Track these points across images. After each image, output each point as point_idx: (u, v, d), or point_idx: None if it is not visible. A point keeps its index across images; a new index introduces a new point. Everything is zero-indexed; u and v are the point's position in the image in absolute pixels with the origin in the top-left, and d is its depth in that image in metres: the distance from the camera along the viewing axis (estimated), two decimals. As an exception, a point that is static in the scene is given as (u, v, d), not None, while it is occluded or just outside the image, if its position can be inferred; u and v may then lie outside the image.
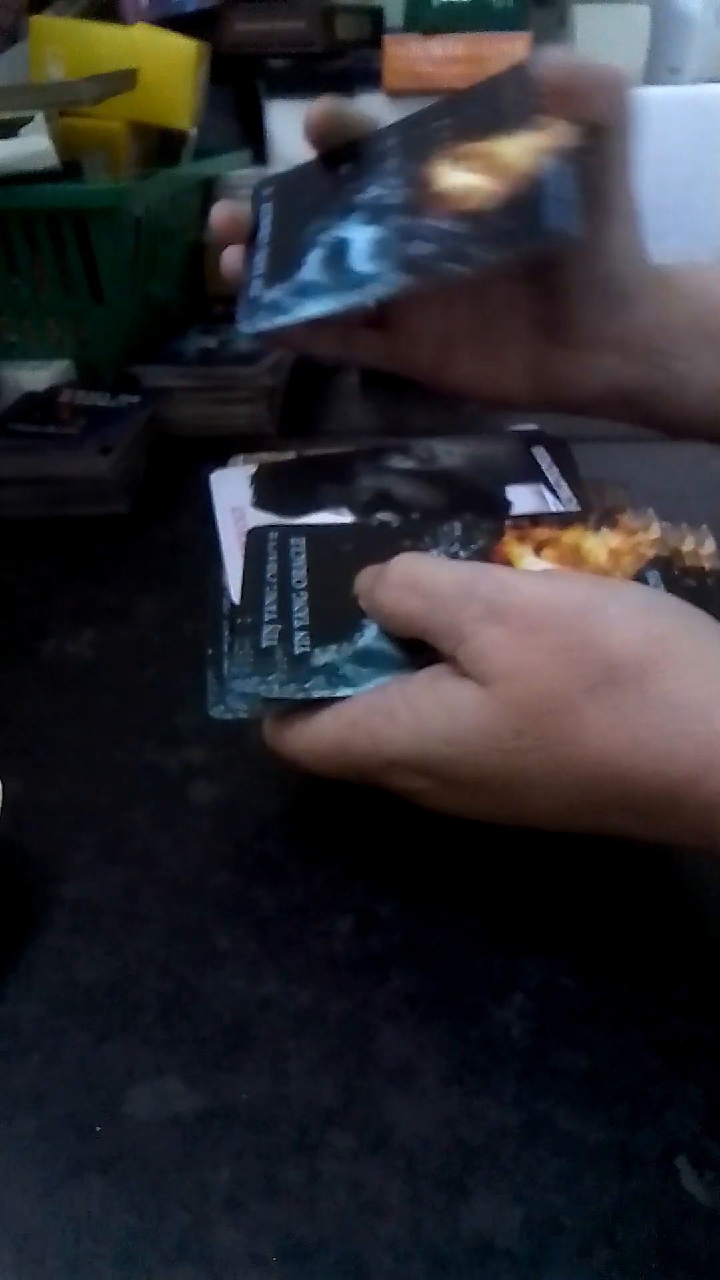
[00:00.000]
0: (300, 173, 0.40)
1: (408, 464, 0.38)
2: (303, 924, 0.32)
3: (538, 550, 0.32)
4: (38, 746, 0.41)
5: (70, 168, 0.74)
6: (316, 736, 0.30)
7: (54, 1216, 0.24)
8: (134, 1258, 0.23)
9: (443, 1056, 0.28)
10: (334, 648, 0.30)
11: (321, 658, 0.30)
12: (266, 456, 0.41)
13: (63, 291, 0.75)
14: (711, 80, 0.97)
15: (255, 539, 0.35)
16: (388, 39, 0.93)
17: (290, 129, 0.99)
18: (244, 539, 0.35)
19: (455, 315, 0.39)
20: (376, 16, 0.98)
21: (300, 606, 0.32)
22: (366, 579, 0.31)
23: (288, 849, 0.35)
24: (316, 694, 0.30)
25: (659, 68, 0.99)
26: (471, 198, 0.32)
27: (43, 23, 0.83)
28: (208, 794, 0.38)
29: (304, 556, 0.33)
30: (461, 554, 0.33)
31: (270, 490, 0.39)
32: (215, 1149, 0.26)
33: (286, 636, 0.31)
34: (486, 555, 0.33)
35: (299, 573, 0.33)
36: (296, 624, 0.31)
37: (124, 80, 0.75)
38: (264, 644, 0.31)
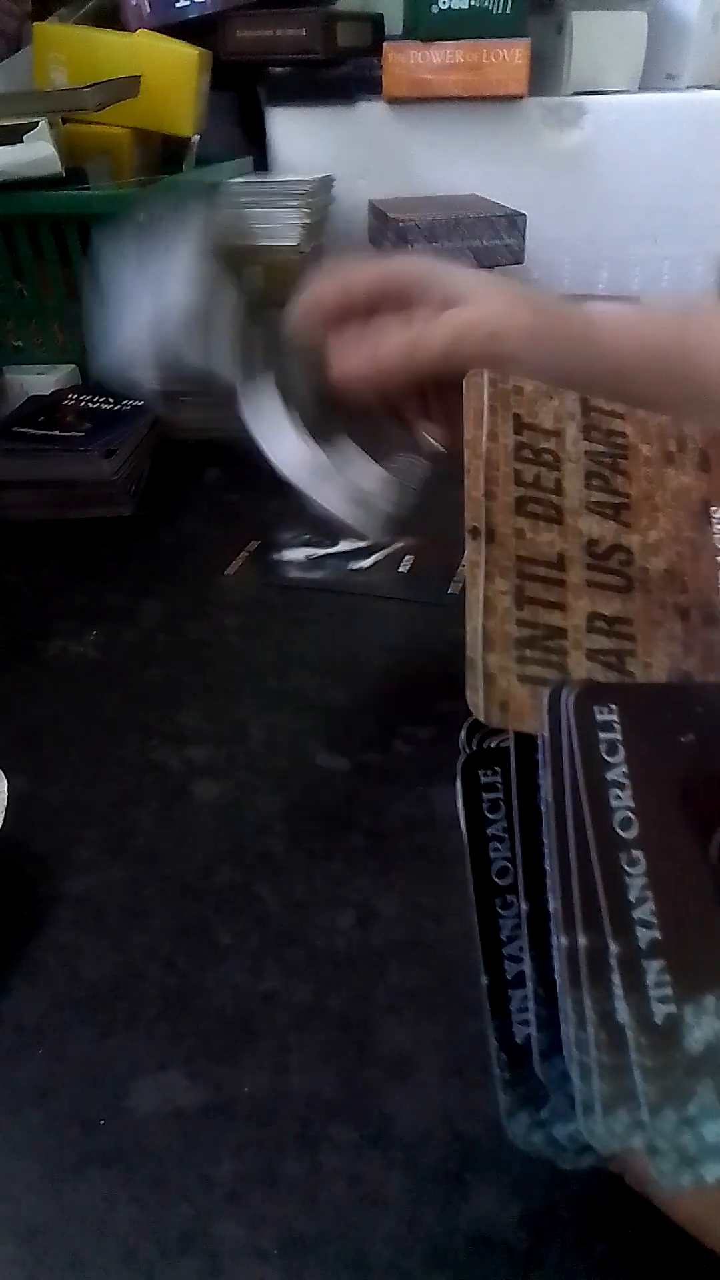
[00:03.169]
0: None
1: None
2: (304, 919, 0.32)
3: None
4: (43, 745, 0.42)
5: (74, 174, 0.75)
6: None
7: (58, 1209, 0.25)
8: (136, 1250, 0.24)
9: (442, 1050, 0.28)
10: (712, 999, 0.18)
11: (699, 1031, 0.17)
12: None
13: (67, 297, 0.75)
14: (709, 86, 0.98)
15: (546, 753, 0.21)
16: (388, 46, 0.94)
17: (292, 135, 1.00)
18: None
19: None
20: (377, 24, 0.99)
21: (639, 894, 0.19)
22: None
23: (289, 845, 0.36)
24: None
25: (657, 74, 0.99)
26: None
27: (46, 29, 0.83)
28: (210, 791, 0.39)
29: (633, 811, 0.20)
30: None
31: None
32: (217, 1142, 0.26)
33: (636, 981, 0.18)
34: None
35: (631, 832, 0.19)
36: (642, 942, 0.18)
37: (127, 87, 0.76)
38: (618, 1014, 0.18)
